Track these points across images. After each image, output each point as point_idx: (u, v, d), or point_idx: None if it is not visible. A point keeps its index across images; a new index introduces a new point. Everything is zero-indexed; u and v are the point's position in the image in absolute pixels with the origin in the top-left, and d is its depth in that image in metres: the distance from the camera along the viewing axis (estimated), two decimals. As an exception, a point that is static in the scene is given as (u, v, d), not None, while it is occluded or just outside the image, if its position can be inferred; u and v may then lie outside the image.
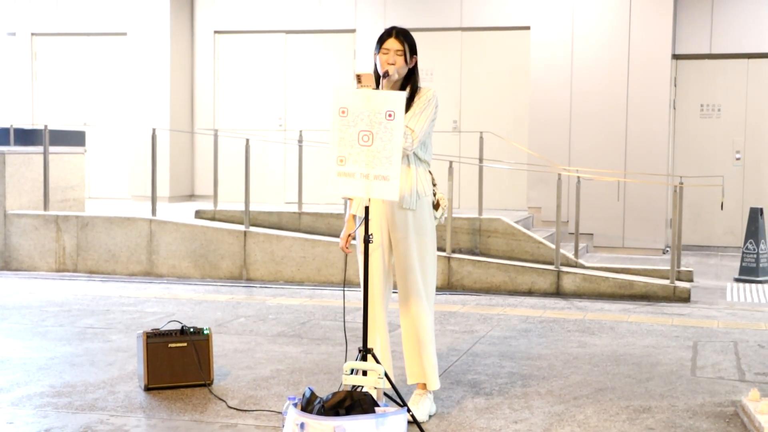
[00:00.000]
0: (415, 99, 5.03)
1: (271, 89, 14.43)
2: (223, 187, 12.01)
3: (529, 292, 9.66)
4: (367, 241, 4.68)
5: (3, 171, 10.81)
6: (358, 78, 4.65)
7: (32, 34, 15.06)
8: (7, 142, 11.63)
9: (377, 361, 4.71)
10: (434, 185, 5.20)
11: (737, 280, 10.70)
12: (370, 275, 5.04)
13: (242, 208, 10.74)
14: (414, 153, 5.01)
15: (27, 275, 10.52)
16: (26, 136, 11.80)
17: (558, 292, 9.60)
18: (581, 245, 12.03)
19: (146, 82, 14.27)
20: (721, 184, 11.26)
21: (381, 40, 5.03)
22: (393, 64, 4.96)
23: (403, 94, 4.58)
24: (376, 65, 5.04)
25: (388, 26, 5.13)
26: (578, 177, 10.77)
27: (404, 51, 4.99)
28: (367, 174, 4.56)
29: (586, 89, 13.04)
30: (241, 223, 10.80)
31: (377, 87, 4.97)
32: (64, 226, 10.74)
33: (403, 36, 5.03)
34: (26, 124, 14.31)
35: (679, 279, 10.05)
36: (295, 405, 4.27)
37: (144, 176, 13.88)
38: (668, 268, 9.83)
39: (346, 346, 5.48)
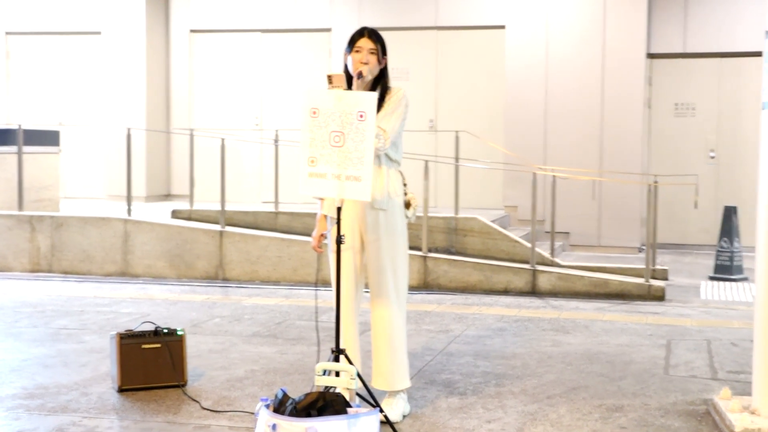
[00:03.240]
0: (386, 99, 5.03)
1: (247, 88, 14.40)
2: (200, 187, 11.96)
3: (505, 291, 9.68)
4: (339, 242, 4.69)
5: (-24, 171, 10.76)
6: (330, 79, 4.64)
7: (6, 33, 14.96)
8: (-20, 142, 11.56)
9: (350, 362, 4.72)
10: (405, 185, 5.19)
11: (712, 278, 10.75)
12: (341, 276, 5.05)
13: (219, 207, 10.71)
14: (385, 153, 5.01)
15: (1, 276, 10.45)
16: (0, 136, 11.72)
17: (534, 291, 9.63)
18: (558, 244, 12.07)
19: (121, 81, 14.21)
20: (695, 183, 11.31)
21: (353, 40, 5.03)
22: (366, 64, 4.96)
23: (375, 95, 4.59)
24: (346, 65, 5.04)
25: (363, 25, 5.13)
26: (553, 176, 10.79)
27: (377, 50, 5.00)
28: (339, 174, 4.57)
29: (561, 88, 13.08)
30: (217, 222, 10.77)
31: (349, 87, 4.96)
32: (38, 226, 10.69)
33: (376, 36, 5.04)
34: (3, 124, 14.21)
35: (654, 277, 10.10)
36: (267, 406, 4.27)
37: (120, 176, 13.75)
38: (643, 266, 9.86)
39: (318, 346, 5.48)
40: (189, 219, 11.09)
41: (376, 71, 5.02)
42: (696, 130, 13.45)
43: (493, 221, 10.87)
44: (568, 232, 13.00)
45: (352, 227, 5.04)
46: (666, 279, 10.33)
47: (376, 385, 5.13)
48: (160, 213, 11.49)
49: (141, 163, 13.82)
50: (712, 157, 13.36)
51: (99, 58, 14.55)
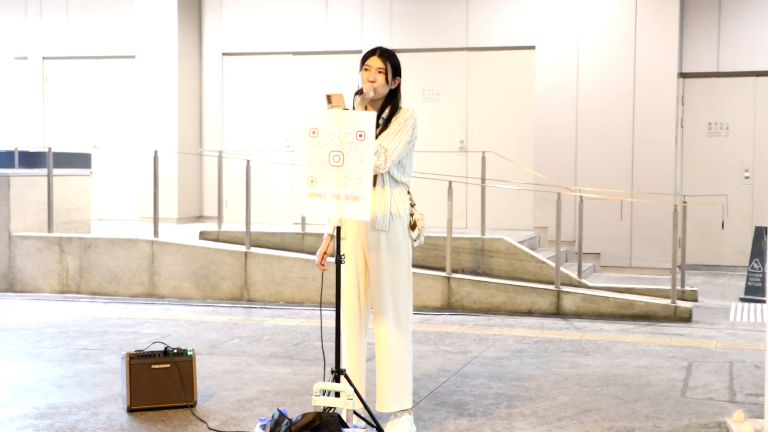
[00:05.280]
0: (392, 119, 4.99)
1: (279, 110, 14.47)
2: (232, 209, 12.00)
3: (529, 312, 9.60)
4: (338, 261, 4.67)
5: (7, 193, 10.88)
6: (328, 98, 4.64)
7: (43, 57, 15.20)
8: (11, 165, 11.70)
9: (350, 383, 4.69)
10: (412, 206, 5.15)
11: (743, 299, 10.59)
12: (343, 296, 5.03)
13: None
14: (389, 174, 4.97)
15: (30, 297, 10.56)
16: (32, 159, 11.88)
17: (558, 312, 9.54)
18: (588, 265, 11.96)
19: (155, 104, 14.34)
20: (723, 203, 11.17)
21: (365, 58, 5.03)
22: (373, 82, 4.94)
23: (373, 114, 4.58)
24: (359, 83, 5.03)
25: (395, 47, 5.11)
26: (581, 197, 10.71)
27: (385, 70, 4.97)
28: (338, 194, 4.56)
29: (592, 108, 12.99)
30: (244, 243, 10.80)
31: (359, 106, 4.94)
32: (67, 247, 10.79)
33: (387, 56, 5.02)
34: (38, 147, 14.39)
35: (683, 299, 9.98)
36: (263, 427, 4.26)
37: (152, 198, 13.92)
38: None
39: (324, 367, 5.45)
40: (217, 240, 11.14)
41: (383, 91, 4.99)
42: (730, 150, 13.28)
43: (522, 242, 10.79)
44: (599, 253, 12.88)
45: (355, 247, 5.02)
46: (695, 300, 10.19)
47: (377, 406, 5.08)
48: (187, 234, 11.56)
49: (173, 185, 13.92)
50: (747, 177, 13.19)
51: (133, 81, 14.72)
